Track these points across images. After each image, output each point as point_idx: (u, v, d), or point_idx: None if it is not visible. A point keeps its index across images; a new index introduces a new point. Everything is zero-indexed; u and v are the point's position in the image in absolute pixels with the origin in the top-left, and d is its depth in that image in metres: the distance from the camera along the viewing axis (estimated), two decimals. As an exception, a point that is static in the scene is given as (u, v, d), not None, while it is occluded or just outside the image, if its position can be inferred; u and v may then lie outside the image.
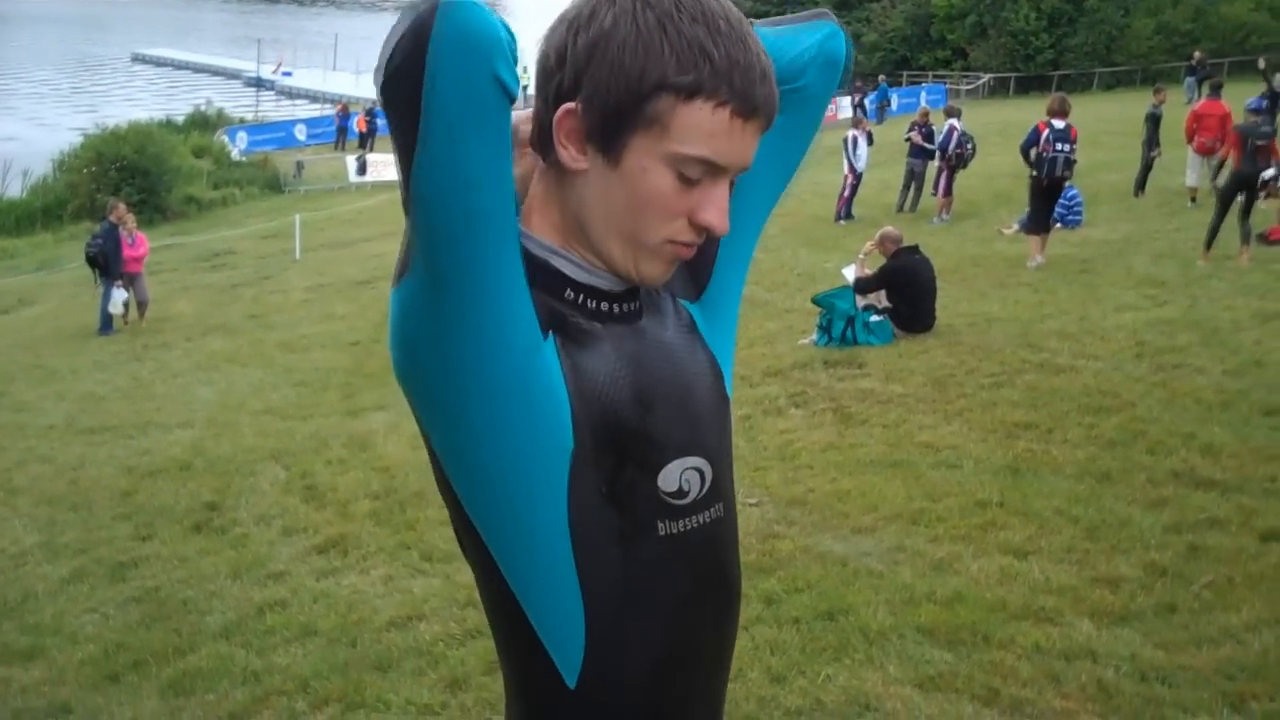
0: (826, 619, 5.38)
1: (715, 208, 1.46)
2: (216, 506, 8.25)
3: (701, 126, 1.40)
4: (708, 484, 1.60)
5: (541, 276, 1.49)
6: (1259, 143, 14.18)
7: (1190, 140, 18.12)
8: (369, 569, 6.67)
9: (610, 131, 1.41)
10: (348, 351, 14.39)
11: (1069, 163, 15.13)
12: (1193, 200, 18.24)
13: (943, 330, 11.51)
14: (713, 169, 1.43)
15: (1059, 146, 14.99)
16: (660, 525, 1.54)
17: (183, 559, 7.17)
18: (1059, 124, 15.10)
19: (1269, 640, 4.85)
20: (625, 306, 1.55)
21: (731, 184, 1.50)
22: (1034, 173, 15.15)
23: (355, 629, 5.77)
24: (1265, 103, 18.43)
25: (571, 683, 1.54)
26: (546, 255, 1.51)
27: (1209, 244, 13.88)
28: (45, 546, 7.77)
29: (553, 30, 1.45)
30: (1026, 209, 16.19)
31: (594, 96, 1.40)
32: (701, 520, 1.59)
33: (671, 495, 1.55)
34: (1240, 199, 13.96)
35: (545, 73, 1.46)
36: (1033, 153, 15.10)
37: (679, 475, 1.56)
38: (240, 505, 8.22)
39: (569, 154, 1.44)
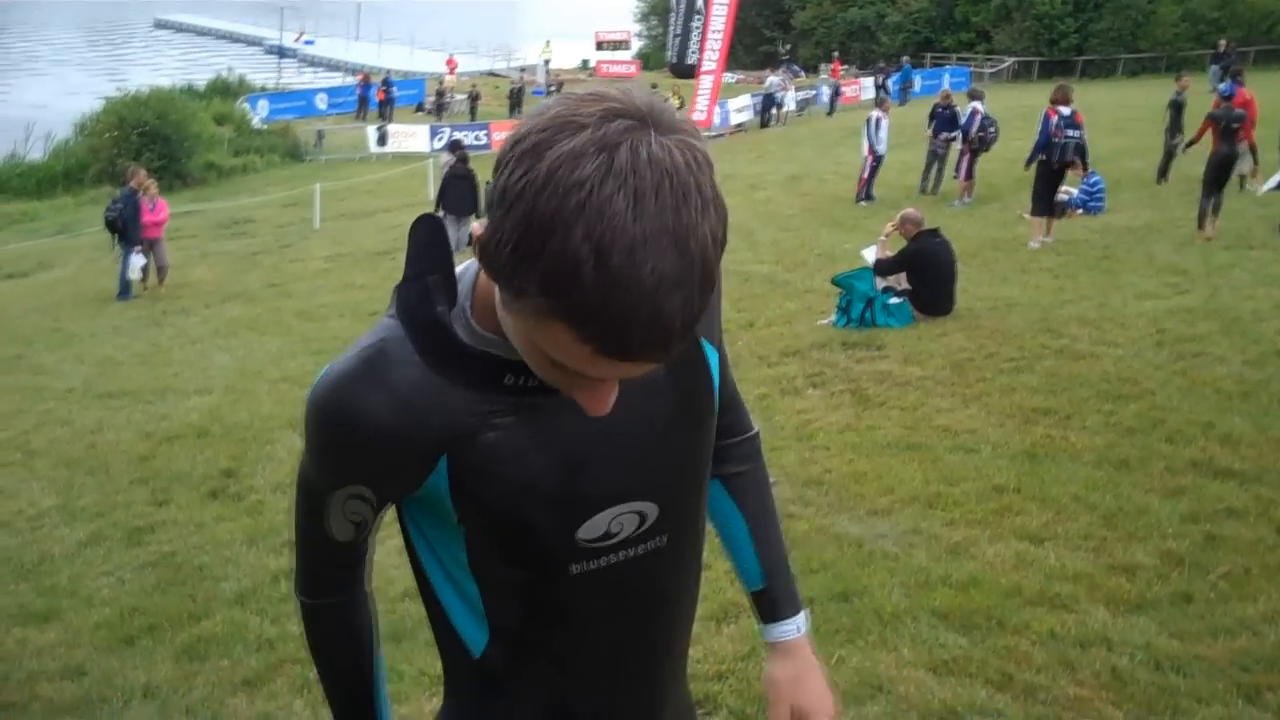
0: (841, 600, 5.38)
1: (591, 399, 1.38)
2: (233, 473, 8.28)
3: (566, 345, 1.24)
4: (649, 522, 1.62)
5: (479, 371, 1.48)
6: (1234, 125, 15.65)
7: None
8: (384, 539, 6.58)
9: (495, 280, 1.29)
10: (366, 321, 14.36)
11: (1080, 148, 15.59)
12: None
13: (962, 314, 11.47)
14: (585, 373, 1.30)
15: (1070, 133, 15.46)
16: (574, 566, 1.59)
17: (199, 525, 7.20)
18: (1065, 110, 15.50)
19: (1285, 632, 4.84)
20: None
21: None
22: (1043, 157, 15.56)
23: (370, 599, 5.78)
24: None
25: (477, 653, 1.67)
26: (487, 347, 1.48)
27: (1201, 224, 15.00)
28: (62, 509, 7.81)
29: (519, 124, 1.26)
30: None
31: (485, 244, 1.25)
32: (631, 553, 1.62)
33: (594, 540, 1.58)
34: (1218, 178, 15.21)
35: (496, 160, 1.27)
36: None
37: (607, 523, 1.58)
38: (257, 472, 8.24)
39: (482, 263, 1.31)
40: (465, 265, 1.54)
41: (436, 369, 1.46)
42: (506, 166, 1.22)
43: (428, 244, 1.53)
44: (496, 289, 1.32)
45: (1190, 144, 17.65)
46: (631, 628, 1.68)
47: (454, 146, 21.32)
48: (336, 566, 1.70)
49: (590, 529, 1.56)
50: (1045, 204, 15.67)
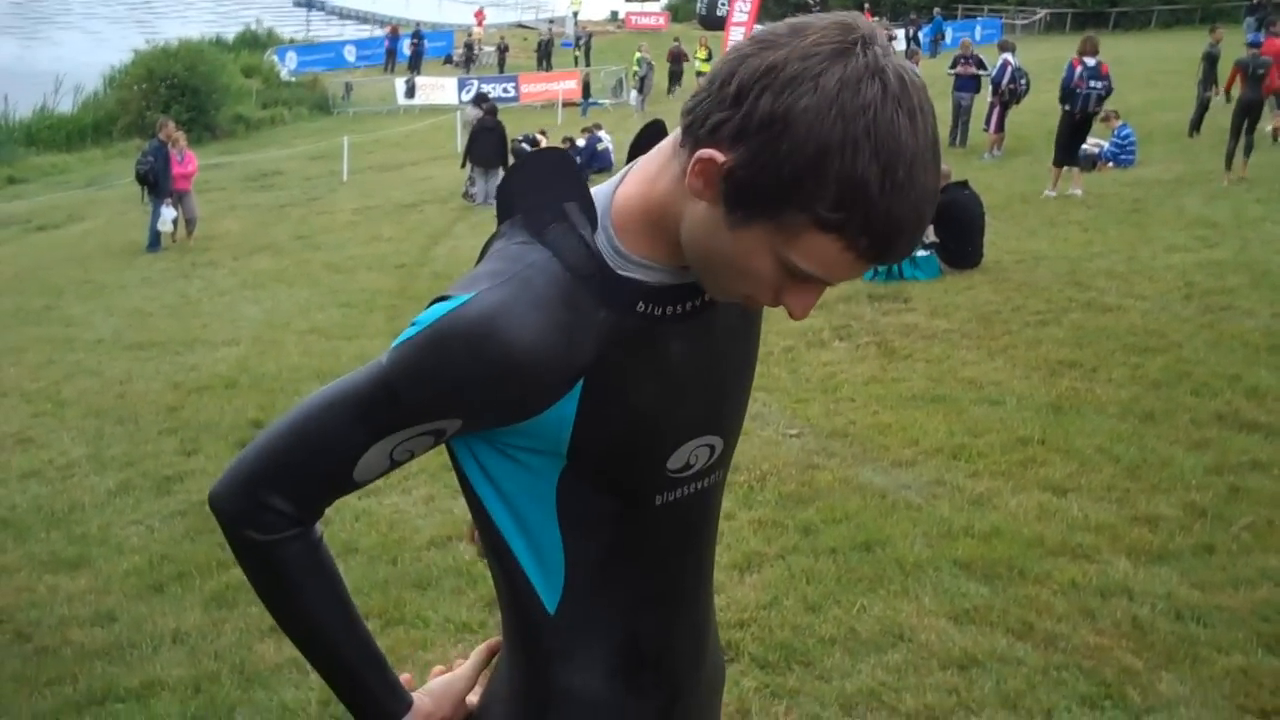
0: (863, 550, 5.41)
1: (803, 304, 1.44)
2: (261, 424, 8.32)
3: (826, 256, 1.34)
4: (715, 456, 1.68)
5: (620, 294, 1.49)
6: (1259, 71, 16.30)
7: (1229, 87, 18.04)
8: (410, 489, 6.73)
9: (742, 204, 1.34)
10: (393, 274, 14.44)
11: (1100, 99, 15.66)
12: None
13: (990, 267, 11.44)
14: (822, 279, 1.39)
15: (1092, 84, 15.47)
16: (658, 497, 1.62)
17: (227, 474, 7.25)
18: (1090, 61, 15.48)
19: (1307, 583, 4.85)
20: (698, 302, 1.56)
21: None
22: (1066, 106, 15.58)
23: (396, 547, 5.84)
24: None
25: (551, 609, 1.63)
26: (630, 271, 1.51)
27: (1229, 165, 15.67)
28: (93, 459, 7.88)
29: (748, 55, 1.32)
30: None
31: (744, 169, 1.31)
32: (699, 486, 1.68)
33: (676, 471, 1.62)
34: (1245, 122, 15.94)
35: (716, 93, 1.34)
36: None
37: (689, 453, 1.63)
38: (285, 423, 8.28)
39: (697, 184, 1.37)
40: (596, 190, 1.55)
41: (586, 290, 1.47)
42: (763, 94, 1.28)
43: (555, 172, 1.54)
44: (711, 211, 1.38)
45: (1226, 92, 17.86)
46: (691, 559, 1.74)
47: (479, 100, 21.28)
48: (322, 497, 1.61)
49: (676, 459, 1.61)
50: (1065, 153, 15.72)
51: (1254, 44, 17.69)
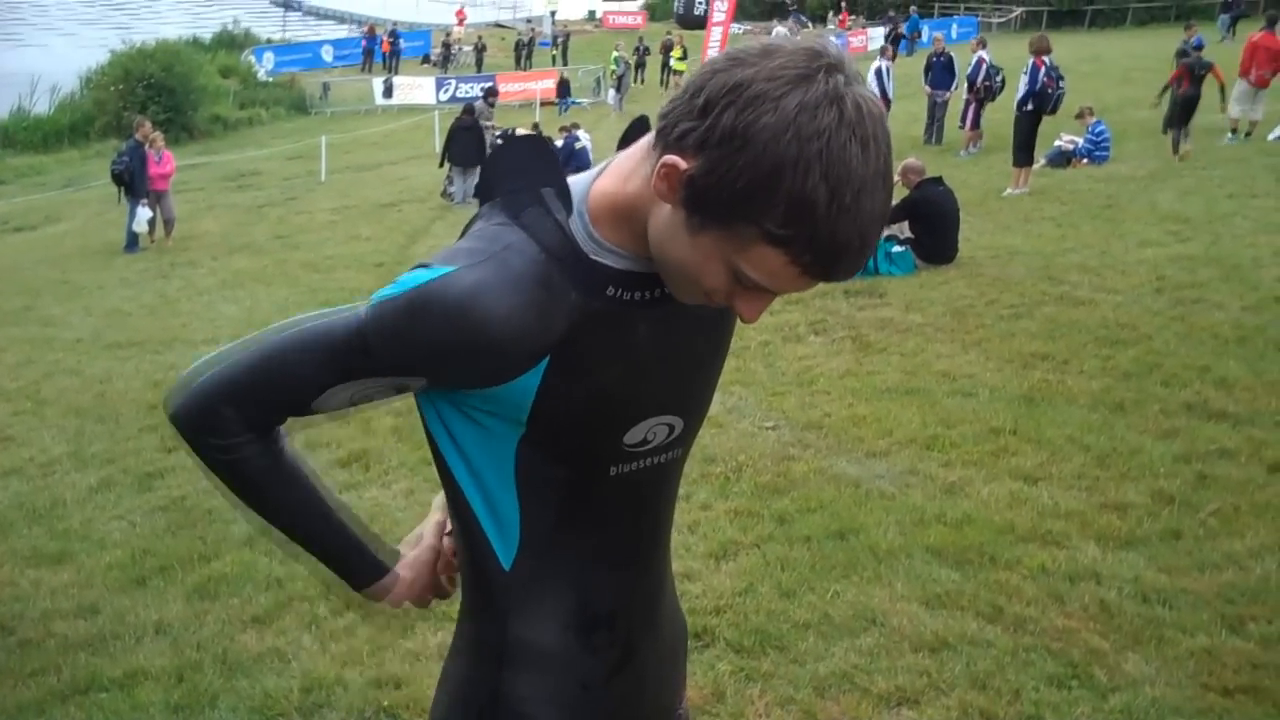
0: (837, 538, 5.48)
1: (752, 309, 1.52)
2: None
3: (772, 268, 1.41)
4: (674, 434, 1.77)
5: (591, 277, 1.57)
6: (1200, 72, 18.18)
7: (1246, 72, 18.18)
8: (390, 483, 6.79)
9: (699, 210, 1.42)
10: (372, 273, 14.45)
11: (1061, 98, 16.02)
12: (1233, 132, 18.42)
13: (964, 262, 11.53)
14: (769, 289, 1.47)
15: (1061, 84, 15.76)
16: (613, 468, 1.71)
17: (208, 470, 7.28)
18: (1049, 59, 15.64)
19: (1270, 566, 4.94)
20: (667, 290, 1.61)
21: None
22: (1029, 107, 15.69)
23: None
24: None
25: (506, 566, 1.73)
26: (600, 257, 1.58)
27: (1175, 149, 17.65)
28: (73, 456, 7.90)
29: (719, 70, 1.40)
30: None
31: (703, 177, 1.39)
32: (656, 461, 1.77)
33: (633, 445, 1.71)
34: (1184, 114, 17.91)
35: (686, 102, 1.42)
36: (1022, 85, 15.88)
37: (647, 429, 1.72)
38: (265, 420, 8.31)
39: (661, 187, 1.44)
40: (575, 179, 1.63)
41: (559, 271, 1.55)
42: (727, 109, 1.36)
43: (534, 158, 1.62)
44: (674, 214, 1.46)
45: (1165, 89, 18.99)
46: (645, 527, 1.83)
47: (487, 93, 21.42)
48: (280, 419, 1.71)
49: (633, 434, 1.69)
50: (1027, 154, 15.90)
51: (1197, 47, 19.79)
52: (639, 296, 1.60)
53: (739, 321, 1.73)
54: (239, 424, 1.65)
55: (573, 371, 1.58)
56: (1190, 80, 18.14)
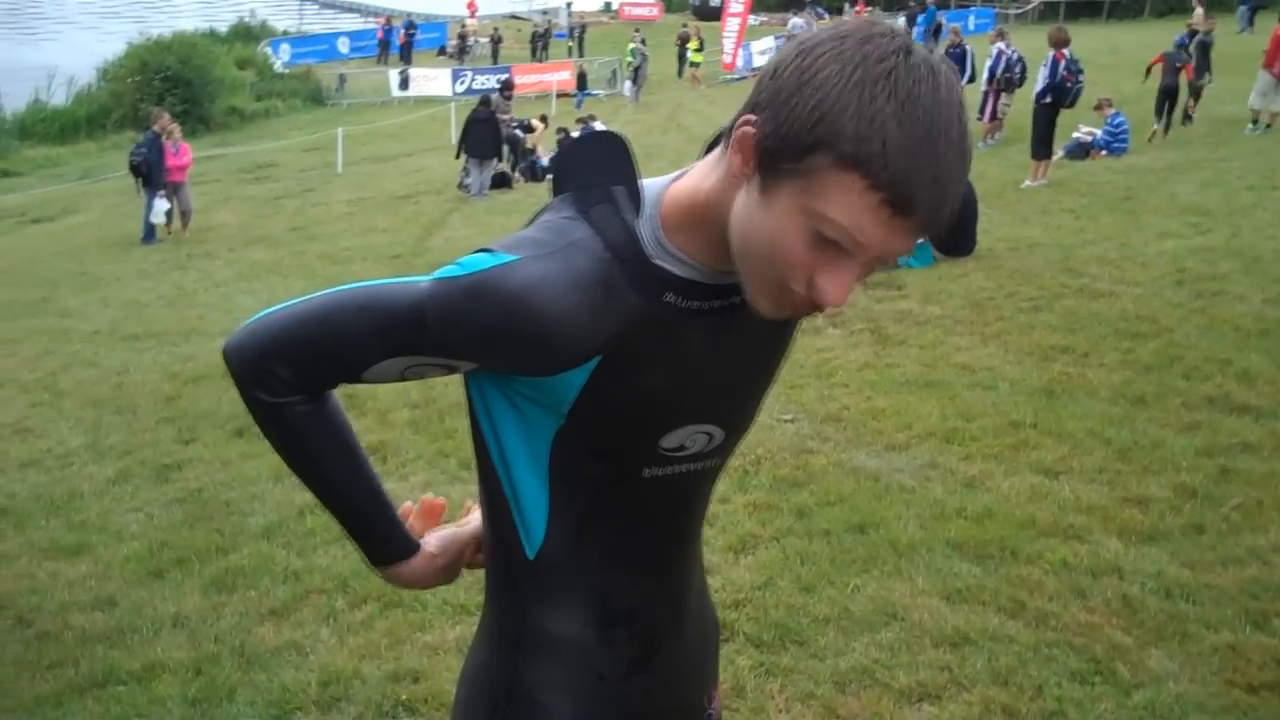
0: (857, 532, 5.46)
1: (836, 280, 1.43)
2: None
3: (851, 200, 1.34)
4: (713, 444, 1.75)
5: (651, 281, 1.55)
6: (1177, 65, 19.17)
7: (1271, 64, 18.08)
8: (407, 475, 6.78)
9: (771, 162, 1.39)
10: (389, 265, 14.46)
11: (1080, 92, 16.04)
12: (1254, 123, 18.33)
13: (983, 254, 11.49)
14: (851, 242, 1.38)
15: (1080, 77, 15.78)
16: (646, 470, 1.69)
17: (225, 462, 7.29)
18: (1069, 53, 15.66)
19: (1295, 561, 4.90)
20: (727, 300, 1.60)
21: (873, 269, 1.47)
22: (1048, 100, 15.71)
23: (394, 532, 5.86)
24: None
25: (531, 555, 1.72)
26: (664, 261, 1.56)
27: (1153, 136, 18.67)
28: (91, 448, 7.91)
29: (790, 48, 1.42)
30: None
31: (772, 121, 1.37)
32: (692, 468, 1.75)
33: (670, 450, 1.69)
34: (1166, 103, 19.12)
35: (760, 78, 1.43)
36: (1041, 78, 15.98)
37: (686, 436, 1.70)
38: (282, 411, 8.30)
39: (737, 160, 1.43)
40: (652, 181, 1.61)
41: (620, 272, 1.53)
42: (792, 65, 1.37)
43: (610, 155, 1.61)
44: (749, 190, 1.43)
45: (1148, 72, 19.78)
46: (673, 531, 1.82)
47: (484, 102, 21.35)
48: (331, 383, 1.69)
49: (671, 439, 1.67)
50: (1046, 146, 15.83)
51: (1180, 44, 20.66)
52: (696, 306, 1.59)
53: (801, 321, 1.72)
54: (287, 381, 1.64)
55: (621, 373, 1.57)
56: (1166, 70, 19.18)
